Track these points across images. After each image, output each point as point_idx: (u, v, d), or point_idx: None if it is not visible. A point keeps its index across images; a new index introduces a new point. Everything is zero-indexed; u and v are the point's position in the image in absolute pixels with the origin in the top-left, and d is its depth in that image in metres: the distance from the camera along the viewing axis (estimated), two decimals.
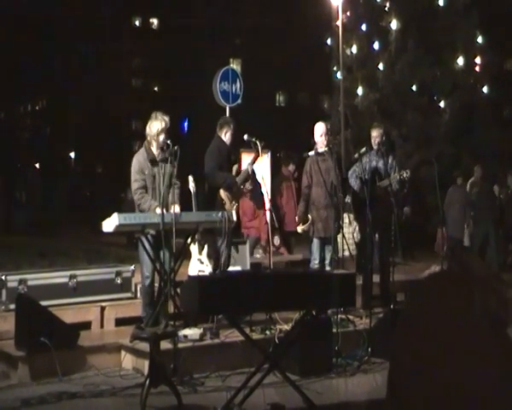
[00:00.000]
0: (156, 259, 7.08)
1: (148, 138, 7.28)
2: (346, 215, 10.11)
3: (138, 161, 7.27)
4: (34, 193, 23.83)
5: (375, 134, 8.89)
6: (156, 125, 7.21)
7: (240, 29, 46.77)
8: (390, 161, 8.99)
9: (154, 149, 7.25)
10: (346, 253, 8.92)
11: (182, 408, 5.37)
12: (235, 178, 8.18)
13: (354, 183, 8.92)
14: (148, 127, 7.29)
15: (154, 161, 7.21)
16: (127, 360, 6.72)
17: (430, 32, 19.10)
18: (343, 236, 8.40)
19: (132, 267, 8.31)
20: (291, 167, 12.20)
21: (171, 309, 7.00)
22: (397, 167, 9.02)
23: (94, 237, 16.74)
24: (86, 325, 7.44)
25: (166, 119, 7.29)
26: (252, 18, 44.69)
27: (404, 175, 8.62)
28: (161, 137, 7.18)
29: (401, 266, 10.79)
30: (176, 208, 7.12)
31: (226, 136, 8.15)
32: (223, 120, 8.42)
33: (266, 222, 10.10)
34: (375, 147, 8.87)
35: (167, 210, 7.02)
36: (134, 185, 7.26)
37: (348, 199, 9.67)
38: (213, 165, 8.04)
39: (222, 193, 7.98)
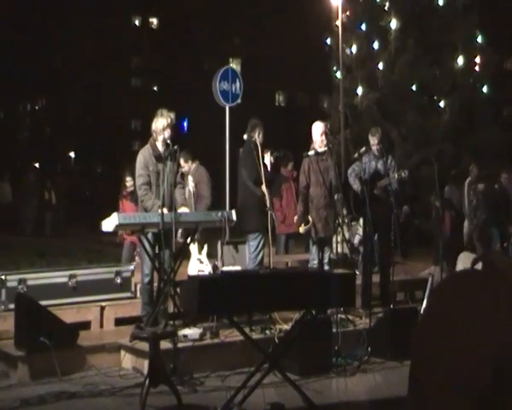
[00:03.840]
0: (156, 258, 7.09)
1: (154, 135, 7.36)
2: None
3: (143, 156, 7.35)
4: (61, 194, 23.39)
5: (374, 141, 8.87)
6: (162, 122, 7.31)
7: (239, 28, 46.74)
8: (389, 161, 8.99)
9: (160, 146, 7.30)
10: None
11: (181, 408, 5.36)
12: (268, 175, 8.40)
13: (353, 182, 8.91)
14: (153, 124, 7.39)
15: (159, 158, 7.26)
16: (127, 360, 6.72)
17: (430, 31, 19.11)
18: (343, 236, 8.40)
19: (132, 267, 8.31)
20: (290, 168, 12.17)
21: (170, 309, 7.00)
22: (396, 167, 9.02)
23: (94, 236, 16.73)
24: (86, 325, 7.44)
25: (172, 116, 7.47)
26: (251, 17, 44.65)
27: (403, 175, 8.62)
28: (166, 133, 7.25)
29: (401, 266, 10.78)
30: (184, 210, 7.21)
31: (259, 136, 8.24)
32: (254, 122, 8.44)
33: None
34: (374, 151, 8.87)
35: (170, 209, 7.04)
36: (139, 181, 7.32)
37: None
38: (252, 162, 8.18)
39: (264, 188, 8.11)
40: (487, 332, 1.10)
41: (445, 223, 12.24)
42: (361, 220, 9.81)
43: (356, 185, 8.84)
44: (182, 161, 9.70)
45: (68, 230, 21.52)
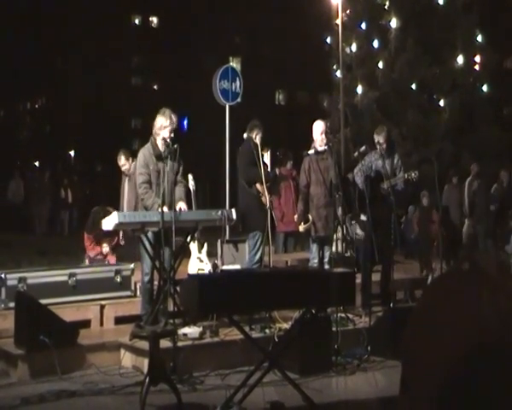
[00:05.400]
0: (156, 257, 7.09)
1: (154, 134, 7.32)
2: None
3: (144, 155, 7.32)
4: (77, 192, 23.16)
5: (380, 140, 8.64)
6: (161, 121, 7.27)
7: (239, 27, 46.72)
8: (395, 160, 8.87)
9: (160, 145, 7.28)
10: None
11: (181, 407, 5.37)
12: (268, 173, 8.50)
13: (360, 181, 8.84)
14: (155, 122, 7.34)
15: (159, 157, 7.23)
16: (127, 359, 6.72)
17: (430, 30, 19.10)
18: (343, 234, 8.40)
19: (132, 266, 8.31)
20: (289, 166, 12.19)
21: (170, 307, 7.00)
22: (402, 167, 8.93)
23: None
24: (86, 324, 7.44)
25: (174, 118, 7.35)
26: (251, 16, 44.65)
27: (413, 175, 8.53)
28: (165, 133, 7.20)
29: (401, 265, 10.79)
30: (182, 205, 7.19)
31: (257, 137, 8.32)
32: (253, 122, 8.56)
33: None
34: (380, 151, 8.70)
35: (170, 208, 7.02)
36: (139, 179, 7.29)
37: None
38: (246, 162, 8.29)
39: (258, 186, 8.19)
40: (470, 331, 1.10)
41: (433, 222, 12.18)
42: (362, 218, 9.78)
43: (362, 185, 8.77)
44: (123, 159, 9.63)
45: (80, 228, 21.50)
